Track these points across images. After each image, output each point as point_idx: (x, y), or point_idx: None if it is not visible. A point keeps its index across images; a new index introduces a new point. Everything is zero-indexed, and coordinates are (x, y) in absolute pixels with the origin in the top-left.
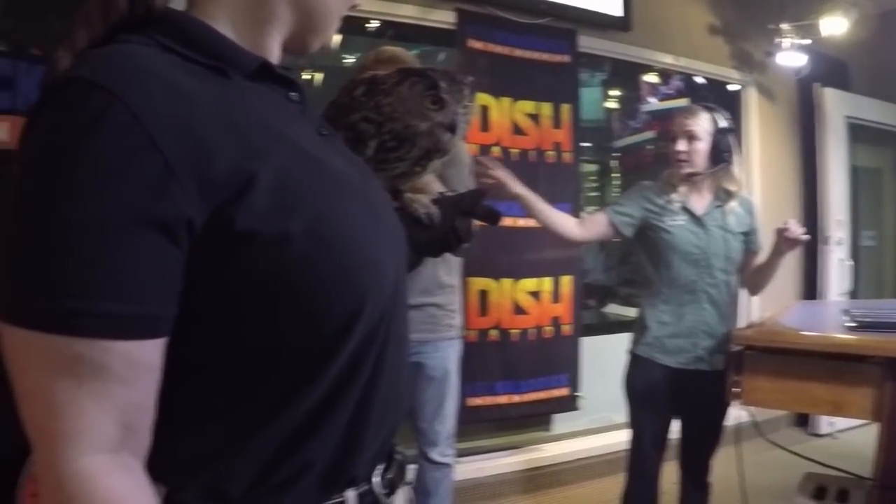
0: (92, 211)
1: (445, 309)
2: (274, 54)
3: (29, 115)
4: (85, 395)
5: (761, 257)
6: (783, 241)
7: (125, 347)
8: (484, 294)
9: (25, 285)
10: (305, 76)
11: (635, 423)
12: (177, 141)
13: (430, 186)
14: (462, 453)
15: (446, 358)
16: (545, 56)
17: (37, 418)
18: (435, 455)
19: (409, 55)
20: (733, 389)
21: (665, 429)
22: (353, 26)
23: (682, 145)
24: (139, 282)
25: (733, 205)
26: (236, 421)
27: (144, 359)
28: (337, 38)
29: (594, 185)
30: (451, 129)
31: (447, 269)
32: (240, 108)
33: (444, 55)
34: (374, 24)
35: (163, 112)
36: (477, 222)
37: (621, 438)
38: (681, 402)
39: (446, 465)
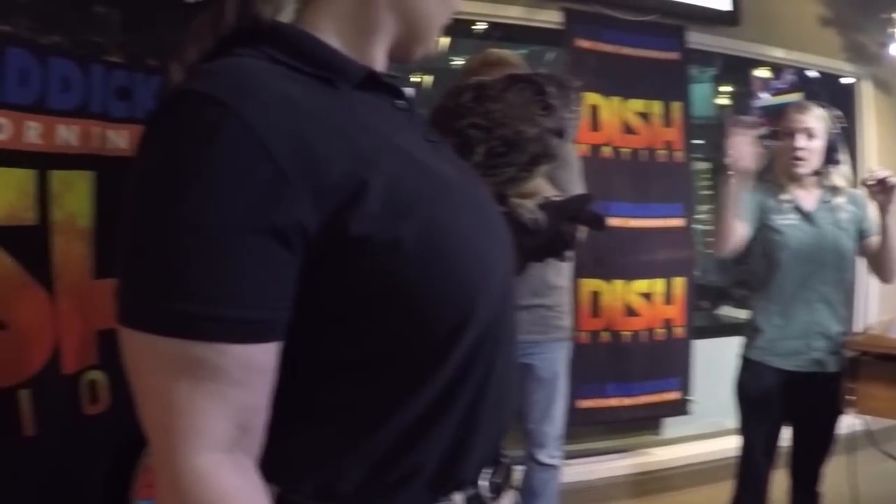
0: (210, 218)
1: (555, 310)
2: (379, 63)
3: (144, 127)
4: (202, 395)
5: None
6: (875, 194)
7: (241, 351)
8: (595, 295)
9: (145, 290)
10: (415, 79)
11: (746, 429)
12: (290, 150)
13: (540, 189)
14: (571, 455)
15: (555, 359)
16: (654, 53)
17: (154, 417)
18: (542, 457)
19: (516, 58)
20: (847, 397)
21: (776, 436)
22: (460, 29)
23: (801, 142)
24: (255, 287)
25: (841, 200)
26: (349, 422)
27: (259, 361)
28: (444, 41)
29: (706, 183)
30: (560, 134)
31: (556, 270)
32: (349, 116)
33: (552, 55)
34: (481, 25)
35: (275, 122)
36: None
37: (732, 444)
38: (794, 407)
39: (554, 466)
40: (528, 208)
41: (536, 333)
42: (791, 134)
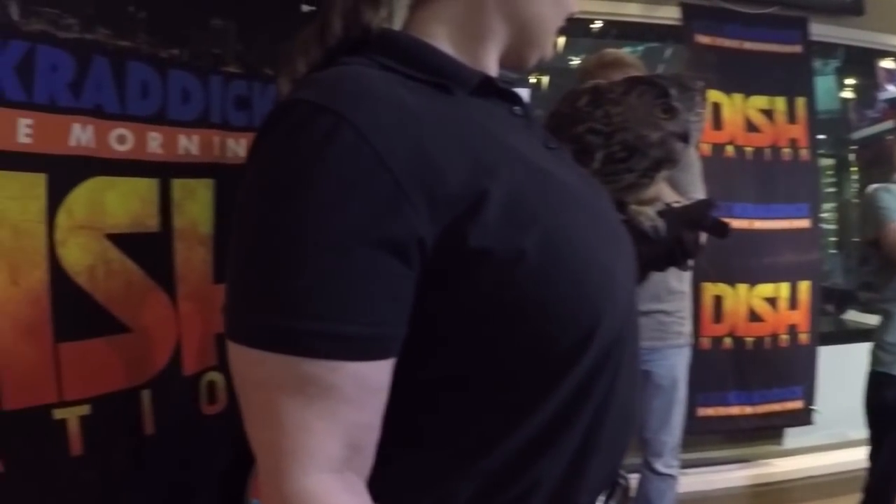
0: (324, 232)
1: (675, 315)
2: (492, 70)
3: (255, 140)
4: (313, 414)
5: None
6: None
7: (356, 368)
8: (718, 300)
9: (255, 304)
10: (531, 80)
11: (877, 445)
12: (406, 159)
13: (661, 195)
14: (689, 464)
15: (675, 366)
16: (776, 47)
17: (263, 435)
18: (660, 466)
19: (632, 58)
20: None
21: None
22: (577, 28)
23: None
24: (371, 303)
25: None
26: (461, 443)
27: (374, 379)
28: (560, 41)
29: (831, 180)
30: (685, 138)
31: (677, 274)
32: (466, 123)
33: (670, 51)
34: (598, 24)
35: (390, 131)
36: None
37: (857, 456)
38: None
39: (671, 476)
40: (648, 215)
41: (656, 339)
42: None
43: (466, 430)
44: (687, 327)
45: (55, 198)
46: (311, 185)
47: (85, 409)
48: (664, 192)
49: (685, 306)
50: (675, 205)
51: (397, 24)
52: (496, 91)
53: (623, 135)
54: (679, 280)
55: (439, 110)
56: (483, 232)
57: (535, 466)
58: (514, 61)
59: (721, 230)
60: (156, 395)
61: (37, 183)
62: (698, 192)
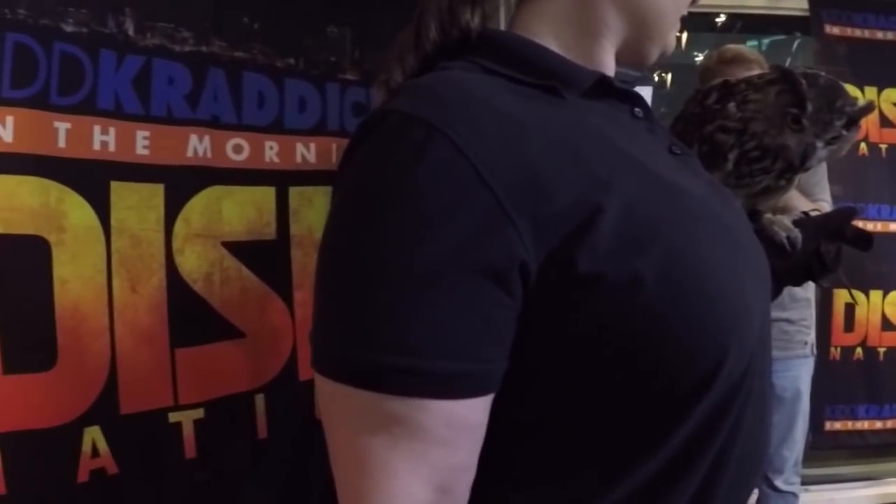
0: (413, 256)
1: (799, 324)
2: (609, 68)
3: (345, 152)
4: (399, 456)
5: None
6: None
7: (447, 407)
8: (850, 308)
9: (340, 335)
10: (654, 77)
11: None
12: (508, 174)
13: (793, 203)
14: (813, 480)
15: (798, 377)
16: None
17: (346, 475)
18: (780, 483)
19: (754, 53)
20: None
21: None
22: (699, 22)
23: None
24: (464, 336)
25: None
26: (567, 488)
27: (468, 418)
28: (683, 36)
29: None
30: (802, 159)
31: None
32: (579, 130)
33: (797, 44)
34: (722, 17)
35: (490, 142)
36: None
37: None
38: None
39: (792, 494)
40: (784, 225)
41: (778, 349)
42: None
43: (573, 474)
44: (811, 337)
45: (172, 207)
46: (401, 205)
47: (199, 413)
48: (796, 199)
49: (810, 314)
50: (813, 214)
51: (501, 24)
52: (614, 92)
53: (755, 127)
54: (804, 287)
55: (548, 116)
56: (595, 254)
57: None
58: (633, 57)
59: (864, 242)
60: (270, 400)
61: (155, 193)
62: (825, 194)
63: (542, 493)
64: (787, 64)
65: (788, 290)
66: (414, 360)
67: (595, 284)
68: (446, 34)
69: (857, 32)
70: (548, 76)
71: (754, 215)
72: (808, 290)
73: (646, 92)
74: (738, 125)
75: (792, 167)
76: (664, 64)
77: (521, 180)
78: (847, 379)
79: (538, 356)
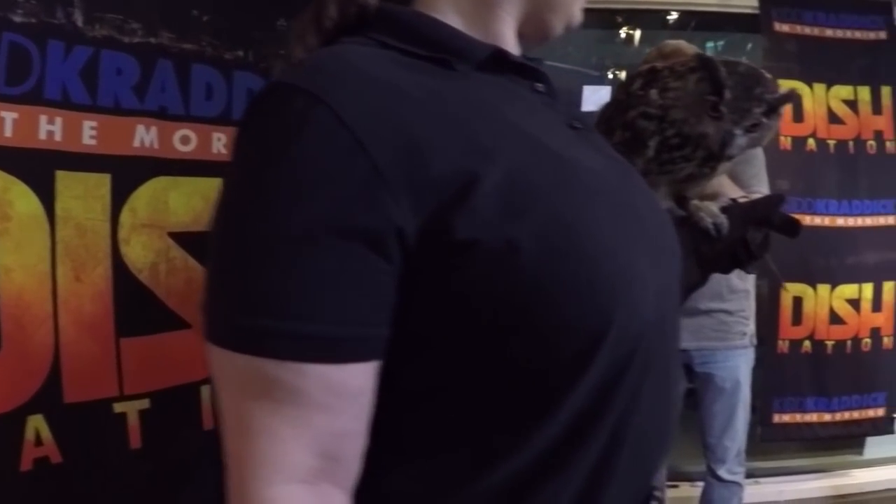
0: (290, 222)
1: (737, 315)
2: (508, 41)
3: (237, 127)
4: (280, 420)
5: None
6: None
7: (325, 372)
8: (798, 301)
9: (221, 302)
10: (609, 76)
11: None
12: (387, 142)
13: (724, 189)
14: (763, 473)
15: (737, 368)
16: (859, 34)
17: (231, 440)
18: (723, 473)
19: (692, 48)
20: None
21: None
22: (653, 20)
23: None
24: (340, 300)
25: None
26: (455, 459)
27: (348, 384)
28: (635, 34)
29: None
30: (722, 146)
31: (740, 272)
32: (466, 101)
33: (751, 45)
34: (675, 15)
35: (372, 112)
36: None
37: None
38: None
39: (735, 483)
40: (711, 212)
41: (717, 340)
42: None
43: (460, 445)
44: (750, 327)
45: (119, 197)
46: (280, 173)
47: (145, 404)
48: (726, 187)
49: (749, 305)
50: (741, 200)
51: None
52: (512, 66)
53: (675, 114)
54: (742, 278)
55: (436, 87)
56: (472, 221)
57: (543, 488)
58: (536, 30)
59: (791, 228)
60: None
61: (101, 183)
62: (762, 187)
63: (419, 464)
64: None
65: (727, 282)
66: (290, 324)
67: (471, 251)
68: (345, 12)
69: (807, 30)
70: (440, 49)
71: (682, 202)
72: (747, 282)
73: (605, 91)
74: (659, 112)
75: (713, 155)
76: (619, 63)
77: (399, 148)
78: (795, 372)
79: (421, 324)
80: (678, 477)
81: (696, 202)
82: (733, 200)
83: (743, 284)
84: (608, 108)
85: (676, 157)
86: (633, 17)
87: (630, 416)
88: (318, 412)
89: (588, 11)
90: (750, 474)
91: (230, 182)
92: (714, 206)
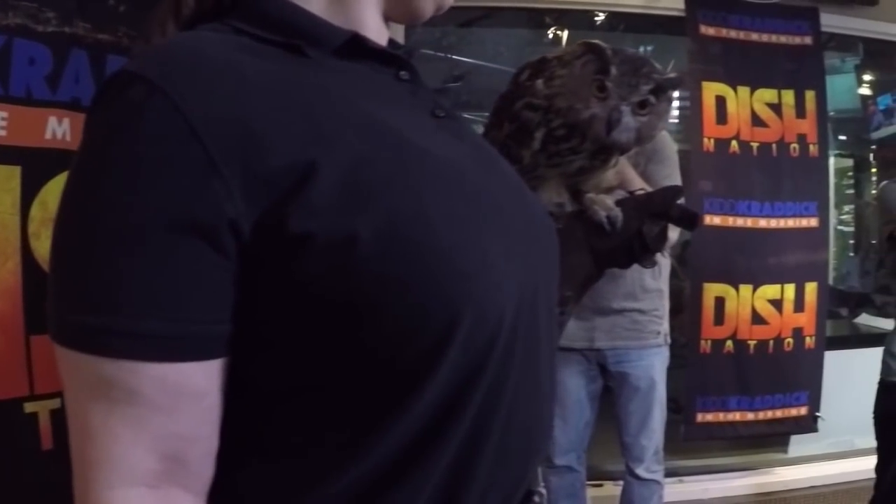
0: (119, 215)
1: (651, 314)
2: (371, 27)
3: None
4: (119, 421)
5: None
6: None
7: (160, 371)
8: (720, 301)
9: (58, 297)
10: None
11: (885, 460)
12: (223, 130)
13: (628, 182)
14: (688, 472)
15: (651, 367)
16: (784, 38)
17: (74, 441)
18: (641, 471)
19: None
20: None
21: None
22: (579, 21)
23: None
24: (175, 296)
25: None
26: (306, 460)
27: (185, 384)
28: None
29: (849, 181)
30: (608, 126)
31: (653, 271)
32: (315, 88)
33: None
34: (601, 17)
35: (209, 98)
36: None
37: (864, 466)
38: None
39: (654, 482)
40: (605, 204)
41: (631, 339)
42: None
43: (312, 445)
44: (664, 326)
45: (29, 190)
46: (111, 164)
47: (56, 403)
48: (630, 179)
49: (663, 304)
50: (638, 193)
51: None
52: (372, 53)
53: (560, 103)
54: (654, 277)
55: (283, 75)
56: (307, 213)
57: (400, 486)
58: (403, 12)
59: (689, 221)
60: None
61: (11, 175)
62: None
63: (271, 467)
64: (670, 66)
65: (640, 282)
66: (122, 321)
67: (307, 245)
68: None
69: (732, 33)
70: (293, 35)
71: (577, 195)
72: (660, 281)
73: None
74: (544, 102)
75: (604, 147)
76: None
77: (236, 137)
78: (718, 371)
79: (265, 321)
80: (601, 476)
81: (590, 195)
82: (630, 193)
83: (656, 284)
84: (498, 101)
85: (564, 150)
86: (562, 18)
87: (492, 412)
88: (157, 413)
89: (517, 11)
90: (675, 473)
91: (69, 174)
92: (609, 199)
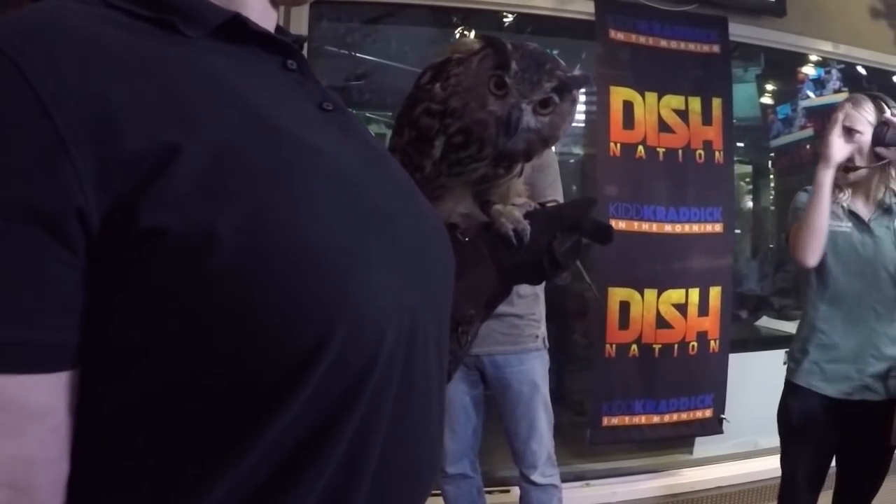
0: None
1: (528, 318)
2: (255, 9)
3: None
4: None
5: None
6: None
7: None
8: (625, 306)
9: None
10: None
11: (789, 459)
12: (77, 108)
13: (545, 193)
14: (595, 475)
15: (532, 370)
16: (693, 46)
17: None
18: (537, 477)
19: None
20: None
21: (824, 468)
22: (488, 21)
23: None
24: (12, 295)
25: None
26: (163, 487)
27: (27, 400)
28: (470, 35)
29: (748, 187)
30: (505, 127)
31: None
32: (186, 70)
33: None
34: (510, 18)
35: (64, 73)
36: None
37: (767, 465)
38: (842, 437)
39: (552, 485)
40: (513, 217)
41: (509, 344)
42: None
43: (171, 467)
44: (542, 330)
45: None
46: None
47: None
48: (540, 190)
49: (539, 308)
50: (550, 205)
51: None
52: (255, 37)
53: (454, 103)
54: None
55: (152, 52)
56: (160, 204)
57: None
58: None
59: (603, 235)
60: None
61: None
62: (556, 196)
63: (134, 494)
64: (576, 69)
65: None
66: None
67: (159, 241)
68: None
69: (641, 39)
70: (167, 10)
71: (484, 205)
72: (536, 286)
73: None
74: (441, 107)
75: (505, 154)
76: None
77: (92, 115)
78: (623, 375)
79: (114, 329)
80: (495, 483)
81: (498, 207)
82: (542, 204)
83: (531, 289)
84: (401, 105)
85: (464, 158)
86: (469, 18)
87: (367, 446)
88: None
89: (424, 9)
90: (581, 477)
91: None
92: (518, 212)
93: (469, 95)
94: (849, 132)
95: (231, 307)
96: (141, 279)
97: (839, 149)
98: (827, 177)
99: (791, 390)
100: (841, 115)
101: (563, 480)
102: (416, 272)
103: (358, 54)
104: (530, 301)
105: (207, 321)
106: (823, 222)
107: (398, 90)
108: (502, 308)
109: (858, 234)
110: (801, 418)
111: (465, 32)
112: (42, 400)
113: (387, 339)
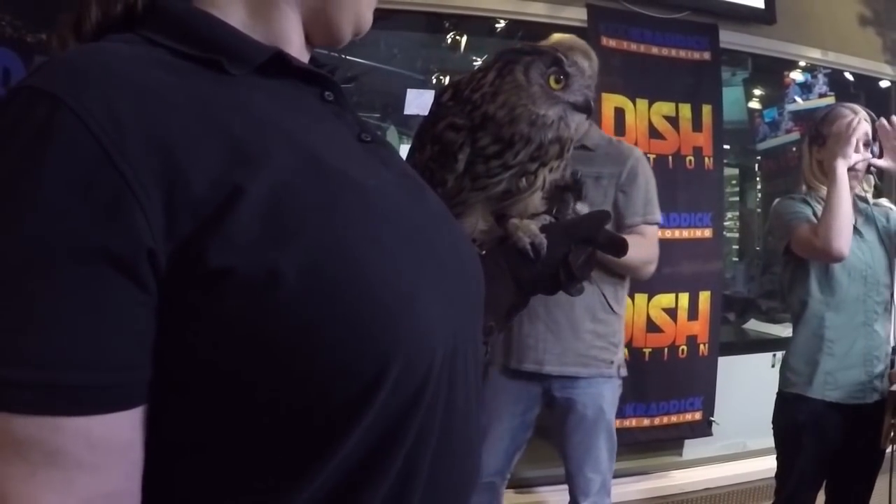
0: (25, 247)
1: (606, 340)
2: (294, 44)
3: None
4: (40, 486)
5: None
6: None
7: (84, 425)
8: None
9: None
10: (433, 81)
11: (788, 468)
12: (140, 153)
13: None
14: None
15: (600, 395)
16: (684, 53)
17: None
18: None
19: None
20: (893, 434)
21: (823, 474)
22: (480, 27)
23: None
24: (93, 338)
25: (876, 212)
26: None
27: (112, 437)
28: (462, 40)
29: (734, 191)
30: (586, 108)
31: (613, 291)
32: (237, 108)
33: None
34: (502, 24)
35: (124, 119)
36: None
37: (756, 467)
38: (844, 440)
39: None
40: (529, 231)
41: (581, 366)
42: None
43: (233, 499)
44: (619, 357)
45: None
46: (15, 189)
47: None
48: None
49: (619, 330)
50: (569, 218)
51: None
52: (296, 72)
53: (488, 112)
54: (615, 297)
55: (203, 92)
56: (228, 245)
57: None
58: (324, 32)
59: (617, 247)
60: None
61: None
62: (655, 214)
63: None
64: None
65: (600, 301)
66: (37, 372)
67: (226, 281)
68: (108, 12)
69: (633, 46)
70: (213, 50)
71: (501, 219)
72: (619, 305)
73: (428, 95)
74: (467, 121)
75: (534, 158)
76: (445, 69)
77: (155, 160)
78: None
79: (179, 364)
80: (518, 484)
81: (514, 221)
82: (556, 217)
83: (615, 306)
84: (421, 123)
85: (494, 168)
86: (461, 24)
87: (420, 456)
88: (82, 473)
89: (415, 15)
90: None
91: None
92: (534, 225)
93: (538, 105)
94: (866, 144)
95: (295, 343)
96: (209, 316)
97: (854, 153)
98: (845, 168)
99: (796, 401)
100: (867, 126)
101: (553, 483)
102: (458, 296)
103: (347, 57)
104: (612, 321)
105: (271, 355)
106: (851, 211)
107: (386, 93)
108: (583, 323)
109: (855, 239)
110: (809, 427)
111: (457, 38)
112: (123, 437)
113: (436, 362)
